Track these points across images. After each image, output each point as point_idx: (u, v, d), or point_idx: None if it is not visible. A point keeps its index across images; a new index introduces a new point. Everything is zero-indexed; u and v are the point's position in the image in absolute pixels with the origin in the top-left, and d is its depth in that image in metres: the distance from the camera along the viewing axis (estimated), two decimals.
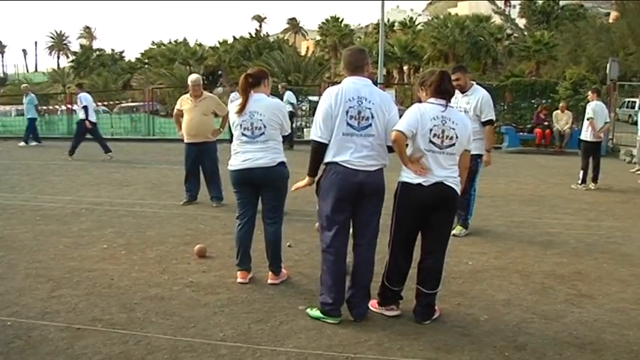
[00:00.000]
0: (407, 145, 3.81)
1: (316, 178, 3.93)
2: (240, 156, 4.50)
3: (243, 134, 4.46)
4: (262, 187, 4.51)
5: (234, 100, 5.91)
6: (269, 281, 4.57)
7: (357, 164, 3.74)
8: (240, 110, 4.45)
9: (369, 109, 3.76)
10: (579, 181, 9.72)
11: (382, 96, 3.88)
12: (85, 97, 12.58)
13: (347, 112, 3.74)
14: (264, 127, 4.44)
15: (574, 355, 3.44)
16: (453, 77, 4.66)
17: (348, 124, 3.74)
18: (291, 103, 15.52)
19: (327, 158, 3.81)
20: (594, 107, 9.75)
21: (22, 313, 3.89)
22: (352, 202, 3.81)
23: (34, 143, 15.29)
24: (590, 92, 10.27)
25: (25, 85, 17.71)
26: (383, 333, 3.68)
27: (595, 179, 9.72)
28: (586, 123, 9.85)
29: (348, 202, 3.79)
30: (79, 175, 10.33)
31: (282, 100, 16.79)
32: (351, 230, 3.96)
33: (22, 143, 15.40)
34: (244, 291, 4.40)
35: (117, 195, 8.35)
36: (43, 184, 9.25)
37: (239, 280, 4.58)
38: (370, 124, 3.75)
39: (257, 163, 4.42)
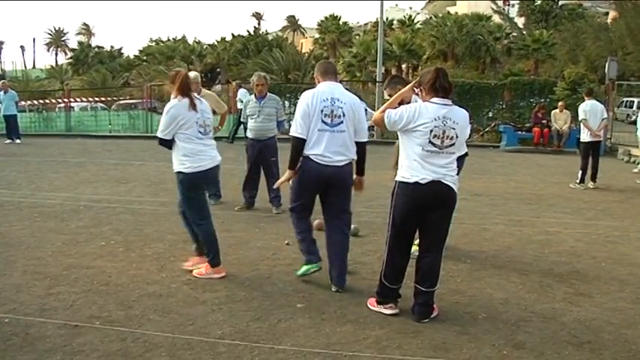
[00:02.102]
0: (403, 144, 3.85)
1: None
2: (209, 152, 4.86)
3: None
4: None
5: (244, 98, 6.95)
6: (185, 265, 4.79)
7: (327, 160, 4.25)
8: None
9: (341, 108, 4.28)
10: (577, 181, 9.72)
11: (352, 98, 4.42)
12: None
13: (322, 110, 4.25)
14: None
15: (572, 354, 3.45)
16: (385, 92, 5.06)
17: (322, 121, 4.25)
18: (242, 101, 15.62)
19: (304, 152, 4.30)
20: (584, 107, 9.81)
21: (19, 310, 3.88)
22: (321, 191, 4.39)
23: (7, 141, 15.22)
24: (584, 94, 10.36)
25: (3, 81, 17.66)
26: (381, 331, 3.68)
27: (593, 178, 9.73)
28: (582, 125, 9.89)
29: (315, 190, 4.40)
30: (76, 172, 10.31)
31: (235, 97, 17.25)
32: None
33: (8, 140, 15.37)
34: (242, 289, 4.40)
35: (115, 192, 8.33)
36: (40, 181, 9.23)
37: (221, 275, 4.63)
38: (342, 122, 4.28)
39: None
